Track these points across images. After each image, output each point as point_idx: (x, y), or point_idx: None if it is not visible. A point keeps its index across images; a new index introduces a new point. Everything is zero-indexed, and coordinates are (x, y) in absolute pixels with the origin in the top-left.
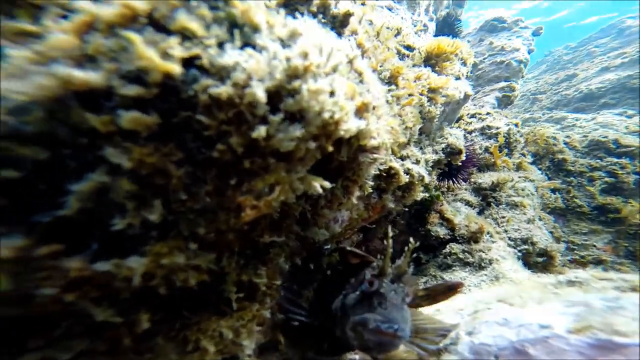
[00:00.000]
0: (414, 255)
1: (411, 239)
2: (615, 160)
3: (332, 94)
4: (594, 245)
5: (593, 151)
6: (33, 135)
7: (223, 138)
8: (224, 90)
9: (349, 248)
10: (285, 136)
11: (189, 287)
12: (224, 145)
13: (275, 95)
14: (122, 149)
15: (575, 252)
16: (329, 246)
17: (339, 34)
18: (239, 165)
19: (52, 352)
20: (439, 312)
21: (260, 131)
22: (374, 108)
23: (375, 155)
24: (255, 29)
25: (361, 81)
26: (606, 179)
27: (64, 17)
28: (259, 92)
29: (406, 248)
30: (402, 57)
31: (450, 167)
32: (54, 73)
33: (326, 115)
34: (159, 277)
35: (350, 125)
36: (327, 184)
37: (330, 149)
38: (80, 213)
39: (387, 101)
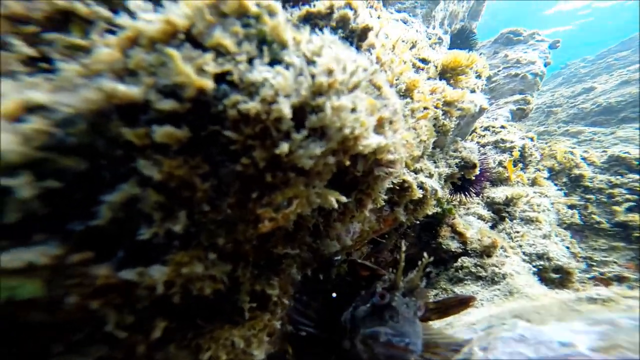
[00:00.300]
0: (430, 259)
1: (425, 254)
2: (638, 177)
3: (353, 110)
4: (615, 262)
5: (613, 167)
6: (76, 146)
7: (248, 152)
8: (252, 106)
9: (359, 261)
10: (306, 153)
11: (204, 296)
12: (248, 159)
13: (300, 111)
14: (153, 161)
15: (595, 268)
16: (339, 257)
17: (358, 48)
18: (261, 178)
19: (71, 357)
20: (450, 327)
21: (283, 147)
22: (391, 122)
23: (390, 170)
24: (283, 46)
25: (380, 95)
26: (627, 196)
27: (111, 32)
28: (285, 109)
29: (419, 262)
30: (417, 70)
31: (464, 181)
32: (100, 87)
33: (347, 131)
34: (178, 286)
35: (369, 142)
36: (344, 199)
37: (347, 163)
38: (111, 223)
39: (403, 115)
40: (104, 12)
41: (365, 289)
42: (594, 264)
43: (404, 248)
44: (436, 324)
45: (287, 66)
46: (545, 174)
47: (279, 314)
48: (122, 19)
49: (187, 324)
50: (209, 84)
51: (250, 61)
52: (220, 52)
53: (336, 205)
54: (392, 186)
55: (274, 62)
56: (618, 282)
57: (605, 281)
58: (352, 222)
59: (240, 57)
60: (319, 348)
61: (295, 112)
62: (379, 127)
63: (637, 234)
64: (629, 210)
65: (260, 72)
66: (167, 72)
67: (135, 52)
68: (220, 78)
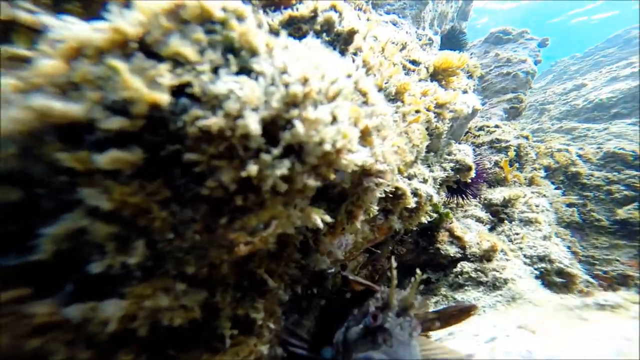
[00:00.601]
0: (423, 275)
1: (417, 270)
2: (635, 172)
3: (334, 120)
4: (618, 260)
5: (609, 163)
6: (4, 174)
7: (214, 174)
8: (214, 122)
9: (351, 277)
10: (279, 172)
11: (178, 325)
12: (214, 181)
13: (272, 126)
14: (102, 188)
15: (597, 267)
16: (332, 270)
17: (343, 52)
18: (231, 202)
19: None
20: (452, 337)
21: (252, 169)
22: (378, 130)
23: (380, 180)
24: (253, 53)
25: (366, 102)
26: (625, 192)
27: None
28: (252, 124)
29: (412, 279)
30: (407, 72)
31: (460, 184)
32: (31, 105)
33: (327, 146)
34: (142, 319)
35: (353, 157)
36: (328, 218)
37: (333, 177)
38: (56, 255)
39: (394, 120)
40: (50, 20)
41: (358, 307)
42: (597, 262)
43: (394, 265)
44: (438, 333)
45: (257, 75)
46: (542, 172)
47: (266, 337)
48: (65, 28)
49: (159, 356)
50: (163, 98)
51: (215, 71)
52: (179, 61)
53: (322, 225)
54: (384, 194)
55: (243, 71)
56: (622, 280)
57: (609, 279)
58: (344, 235)
59: (202, 67)
60: None
61: (266, 127)
62: (365, 137)
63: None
64: (624, 205)
65: (225, 82)
66: (114, 86)
67: (80, 64)
68: (180, 91)
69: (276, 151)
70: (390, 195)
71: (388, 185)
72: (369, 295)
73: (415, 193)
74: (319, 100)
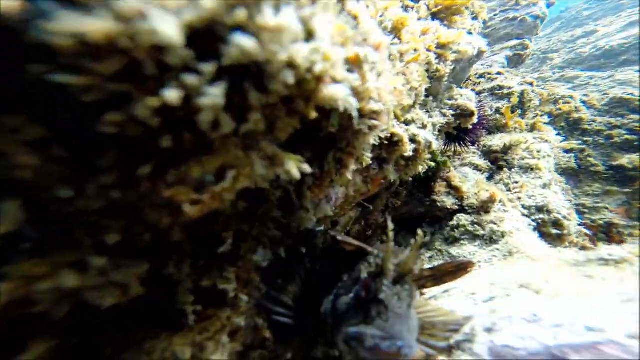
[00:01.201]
0: (426, 237)
1: (419, 231)
2: (639, 117)
3: (310, 36)
4: (607, 208)
5: (614, 109)
6: None
7: (121, 104)
8: (96, 27)
9: (340, 237)
10: (212, 101)
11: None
12: (121, 114)
13: (209, 37)
14: None
15: (587, 215)
16: (321, 227)
17: None
18: (153, 144)
19: None
20: (448, 295)
21: (170, 96)
22: (373, 63)
23: (375, 122)
24: None
25: (357, 27)
26: (626, 136)
27: None
28: (167, 30)
29: (412, 241)
30: (405, 9)
31: (459, 131)
32: None
33: (302, 68)
34: (49, 302)
35: (337, 89)
36: (307, 168)
37: (314, 115)
38: None
39: (390, 57)
40: None
41: (349, 272)
42: (586, 210)
43: (390, 227)
44: (432, 291)
45: None
46: (545, 118)
47: (242, 308)
48: None
49: (101, 339)
50: (11, 3)
51: None
52: None
53: (298, 176)
54: (379, 141)
55: None
56: (607, 229)
57: (595, 228)
58: (333, 187)
59: None
60: (303, 335)
61: (200, 39)
62: (354, 66)
63: (633, 174)
64: (624, 149)
65: None
66: None
67: None
68: None
69: (208, 68)
70: (386, 142)
71: (383, 130)
72: (360, 257)
73: (413, 140)
74: (282, 2)
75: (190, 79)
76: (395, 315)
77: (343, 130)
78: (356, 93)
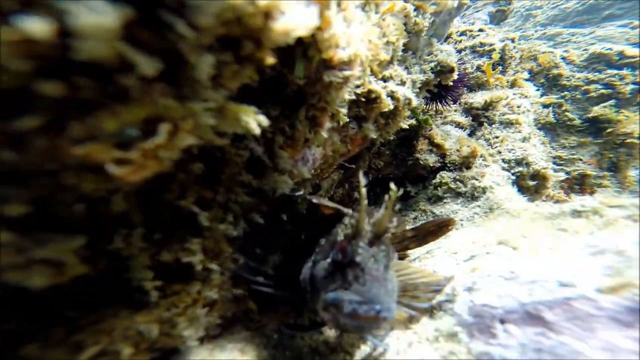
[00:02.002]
0: (400, 191)
1: (392, 185)
2: (615, 72)
3: None
4: (580, 159)
5: (592, 64)
6: None
7: None
8: None
9: (315, 200)
10: (96, 23)
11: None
12: None
13: None
14: None
15: (563, 167)
16: (301, 192)
17: None
18: (35, 93)
19: None
20: (431, 255)
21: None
22: (339, 6)
23: (347, 73)
24: None
25: None
26: (602, 90)
27: None
28: None
29: (386, 197)
30: None
31: (440, 88)
32: None
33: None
34: None
35: (290, 22)
36: (264, 120)
37: (271, 60)
38: None
39: (364, 7)
40: None
41: (326, 237)
42: (563, 162)
43: (363, 182)
44: (416, 252)
45: None
46: (526, 74)
47: (215, 280)
48: None
49: (45, 322)
50: None
51: None
52: None
53: (257, 130)
54: (355, 98)
55: None
56: (580, 180)
57: (569, 181)
58: (309, 148)
59: None
60: (287, 304)
61: None
62: (316, 2)
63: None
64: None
65: None
66: None
67: None
68: None
69: None
70: (363, 100)
71: (359, 86)
72: (338, 220)
73: (391, 96)
74: None
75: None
76: (373, 277)
77: (312, 83)
78: (321, 40)
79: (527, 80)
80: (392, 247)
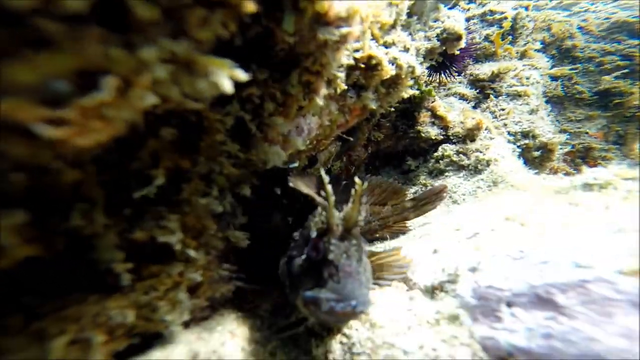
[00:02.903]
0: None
1: (357, 179)
2: (637, 42)
3: None
4: (587, 133)
5: (612, 34)
6: None
7: None
8: None
9: (291, 183)
10: None
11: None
12: None
13: None
14: None
15: (567, 141)
16: (296, 164)
17: None
18: None
19: None
20: (433, 233)
21: None
22: None
23: (344, 31)
24: None
25: None
26: (618, 62)
27: None
28: None
29: (353, 191)
30: None
31: (445, 57)
32: None
33: None
34: None
35: None
36: (242, 75)
37: (251, 7)
38: None
39: None
40: None
41: (300, 230)
42: (568, 136)
43: (326, 179)
44: (416, 232)
45: None
46: (538, 45)
47: (200, 261)
48: None
49: (5, 308)
50: None
51: None
52: None
53: (229, 88)
54: (354, 63)
55: None
56: (584, 153)
57: (572, 153)
58: (304, 116)
59: None
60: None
61: None
62: None
63: (616, 100)
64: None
65: None
66: None
67: None
68: None
69: None
70: (362, 66)
71: (358, 50)
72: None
73: (393, 64)
74: None
75: None
76: (346, 274)
77: (304, 42)
78: None
79: (538, 51)
80: (362, 241)
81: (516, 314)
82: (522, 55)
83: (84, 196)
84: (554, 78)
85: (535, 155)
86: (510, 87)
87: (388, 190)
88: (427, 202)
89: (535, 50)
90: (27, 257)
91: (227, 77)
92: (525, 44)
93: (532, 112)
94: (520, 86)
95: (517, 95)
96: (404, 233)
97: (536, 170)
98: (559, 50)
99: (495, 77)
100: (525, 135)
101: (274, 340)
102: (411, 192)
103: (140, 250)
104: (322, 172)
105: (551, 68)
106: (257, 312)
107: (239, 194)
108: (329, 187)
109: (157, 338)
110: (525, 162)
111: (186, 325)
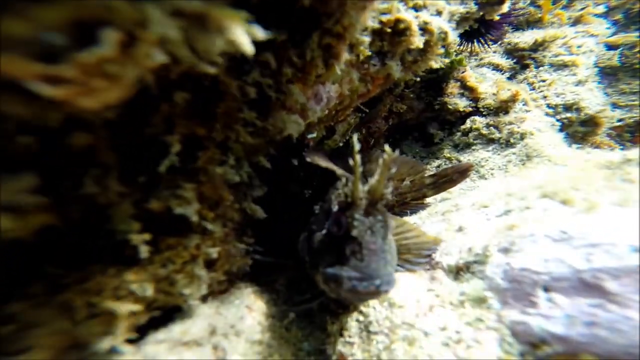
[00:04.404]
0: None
1: (386, 147)
2: None
3: None
4: None
5: None
6: None
7: None
8: None
9: (308, 158)
10: None
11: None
12: None
13: None
14: None
15: (616, 114)
16: (314, 135)
17: None
18: None
19: None
20: (456, 209)
21: None
22: None
23: None
24: None
25: None
26: None
27: None
28: None
29: (380, 161)
30: None
31: (481, 24)
32: None
33: None
34: None
35: None
36: (260, 34)
37: None
38: None
39: None
40: None
41: (321, 204)
42: (617, 109)
43: (356, 147)
44: (441, 207)
45: None
46: (600, 9)
47: (217, 233)
48: None
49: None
50: None
51: None
52: None
53: (249, 48)
54: (379, 27)
55: None
56: (635, 127)
57: (619, 128)
58: (323, 84)
59: None
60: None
61: None
62: None
63: None
64: None
65: None
66: None
67: None
68: None
69: None
70: (389, 30)
71: (384, 8)
72: (333, 181)
73: (423, 29)
74: None
75: None
76: (370, 251)
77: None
78: None
79: (599, 16)
80: (389, 216)
81: (554, 299)
82: (577, 21)
83: (97, 162)
84: (611, 47)
85: (579, 130)
86: (556, 56)
87: (406, 166)
88: (448, 179)
89: (595, 15)
90: (44, 226)
91: (244, 33)
92: (583, 9)
93: (579, 83)
94: (569, 55)
95: (562, 66)
96: (423, 209)
97: (579, 145)
98: (627, 15)
99: (539, 45)
100: (568, 108)
101: (289, 315)
102: (434, 165)
103: (156, 221)
104: (355, 138)
105: (611, 35)
106: (274, 286)
107: (256, 164)
108: (358, 157)
109: (176, 312)
110: (567, 136)
111: (204, 298)
